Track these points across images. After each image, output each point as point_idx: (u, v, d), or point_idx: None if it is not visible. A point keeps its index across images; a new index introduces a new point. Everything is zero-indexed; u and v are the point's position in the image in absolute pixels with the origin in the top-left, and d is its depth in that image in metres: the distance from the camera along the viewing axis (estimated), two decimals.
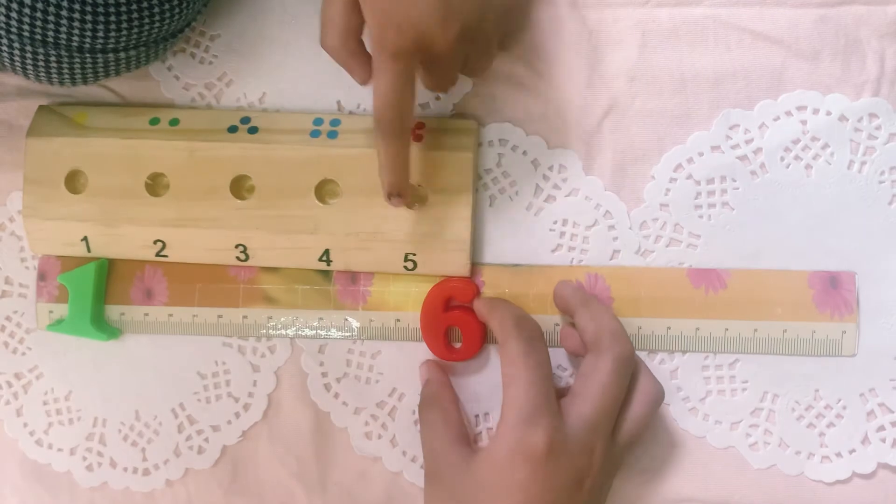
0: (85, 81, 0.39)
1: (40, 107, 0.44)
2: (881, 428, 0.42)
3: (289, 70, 0.44)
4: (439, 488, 0.38)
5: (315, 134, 0.42)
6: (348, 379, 0.43)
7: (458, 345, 0.42)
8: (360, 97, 0.43)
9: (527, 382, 0.36)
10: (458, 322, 0.42)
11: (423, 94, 0.43)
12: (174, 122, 0.43)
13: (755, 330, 0.42)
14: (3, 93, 0.45)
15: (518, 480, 0.36)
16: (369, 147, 0.41)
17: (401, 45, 0.33)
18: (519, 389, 0.36)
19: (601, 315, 0.39)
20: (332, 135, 0.42)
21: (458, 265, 0.42)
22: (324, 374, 0.43)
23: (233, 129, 0.43)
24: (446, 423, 0.40)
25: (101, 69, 0.39)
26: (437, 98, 0.43)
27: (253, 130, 0.43)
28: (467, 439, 0.40)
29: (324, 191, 0.42)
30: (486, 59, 0.38)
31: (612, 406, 0.37)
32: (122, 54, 0.38)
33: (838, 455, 0.42)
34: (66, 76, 0.39)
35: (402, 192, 0.38)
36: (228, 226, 0.42)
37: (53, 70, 0.38)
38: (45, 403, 0.45)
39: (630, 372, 0.39)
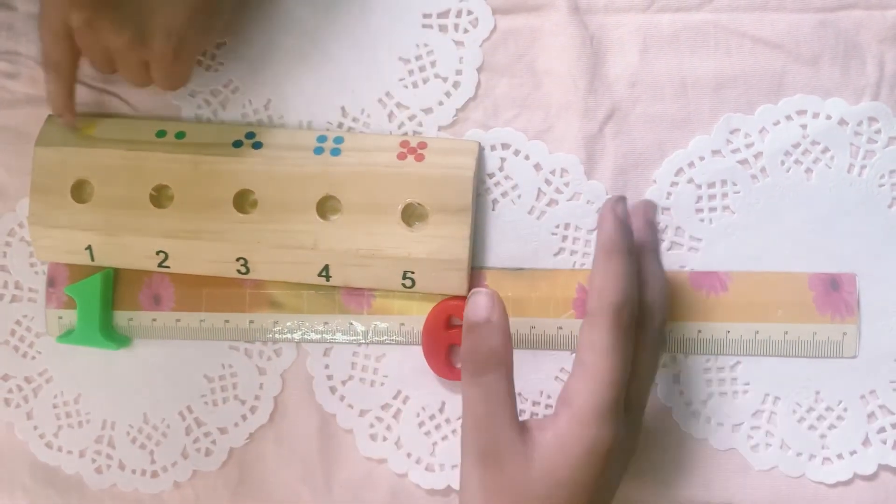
0: None
1: (49, 116, 0.45)
2: (882, 429, 0.42)
3: (294, 77, 0.44)
4: (494, 471, 0.35)
5: (318, 151, 0.43)
6: (353, 381, 0.44)
7: (459, 364, 0.43)
8: (363, 103, 0.44)
9: (608, 381, 0.35)
10: (459, 341, 0.42)
11: (425, 98, 0.44)
12: (180, 135, 0.44)
13: (756, 332, 0.42)
14: (12, 100, 0.45)
15: (588, 476, 0.35)
16: (371, 165, 0.42)
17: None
18: (600, 384, 0.35)
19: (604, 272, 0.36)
20: (335, 152, 0.43)
21: (455, 285, 0.42)
22: (329, 377, 0.44)
23: (238, 144, 0.43)
24: (510, 392, 0.36)
25: None
26: (440, 103, 0.44)
27: (258, 145, 0.43)
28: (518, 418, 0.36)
29: (325, 207, 0.42)
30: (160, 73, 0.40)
31: (622, 382, 0.36)
32: None
33: (839, 457, 0.42)
34: None
35: (62, 115, 0.43)
36: (230, 239, 0.42)
37: None
38: (54, 407, 0.45)
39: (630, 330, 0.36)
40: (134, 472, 0.45)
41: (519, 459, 0.35)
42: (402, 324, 0.43)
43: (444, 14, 0.43)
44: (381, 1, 0.44)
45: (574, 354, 0.36)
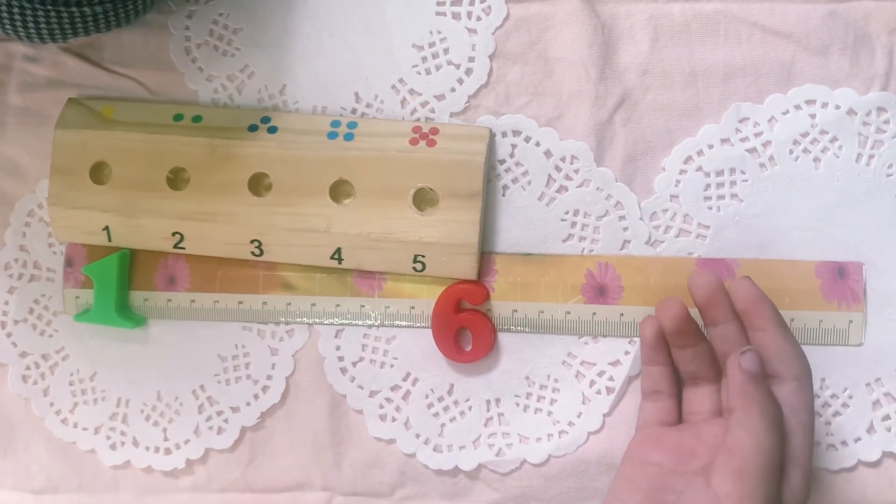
0: (52, 38, 0.40)
1: (69, 100, 0.46)
2: (887, 417, 0.42)
3: (309, 63, 0.45)
4: None
5: (332, 135, 0.43)
6: (364, 363, 0.45)
7: (468, 347, 0.43)
8: (377, 89, 0.45)
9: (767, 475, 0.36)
10: (468, 324, 0.43)
11: (437, 85, 0.44)
12: (197, 118, 0.45)
13: None
14: (34, 84, 0.46)
15: None
16: (384, 150, 0.43)
17: None
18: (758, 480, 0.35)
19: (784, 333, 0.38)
20: (349, 137, 0.43)
21: (465, 269, 0.43)
22: (340, 358, 0.45)
23: (253, 128, 0.44)
24: None
25: (67, 24, 0.39)
26: (452, 90, 0.44)
27: (272, 130, 0.44)
28: None
29: (338, 191, 0.43)
30: None
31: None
32: (88, 9, 0.39)
33: (844, 443, 0.42)
34: (33, 29, 0.39)
35: None
36: (245, 221, 0.43)
37: (18, 22, 0.38)
38: (70, 384, 0.46)
39: None
40: (147, 448, 0.46)
41: None
42: (413, 307, 0.44)
43: (457, 2, 0.44)
44: None
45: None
